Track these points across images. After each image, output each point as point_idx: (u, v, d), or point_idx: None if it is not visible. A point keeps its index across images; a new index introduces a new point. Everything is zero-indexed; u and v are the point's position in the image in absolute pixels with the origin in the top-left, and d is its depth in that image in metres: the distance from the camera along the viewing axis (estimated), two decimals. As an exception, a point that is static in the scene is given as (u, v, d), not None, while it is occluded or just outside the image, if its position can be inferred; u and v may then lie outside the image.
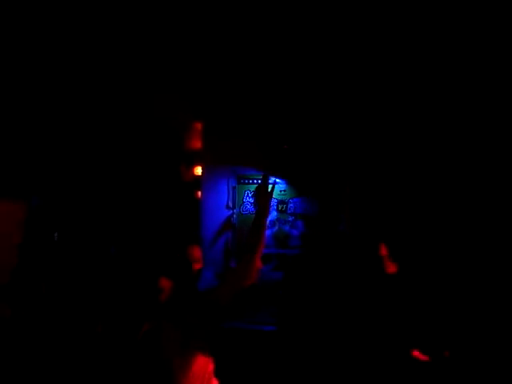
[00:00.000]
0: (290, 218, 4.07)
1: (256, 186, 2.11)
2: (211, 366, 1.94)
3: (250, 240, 1.97)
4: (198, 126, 4.39)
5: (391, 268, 2.76)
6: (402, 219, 3.49)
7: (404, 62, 3.36)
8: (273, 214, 4.10)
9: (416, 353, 2.55)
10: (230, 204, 4.15)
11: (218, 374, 1.97)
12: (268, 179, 2.12)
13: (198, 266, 2.00)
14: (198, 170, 4.43)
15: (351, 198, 3.79)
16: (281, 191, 4.12)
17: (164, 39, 3.38)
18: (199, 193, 4.27)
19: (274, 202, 4.11)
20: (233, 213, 4.13)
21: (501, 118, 3.46)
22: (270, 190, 2.08)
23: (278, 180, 4.06)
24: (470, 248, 3.34)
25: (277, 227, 4.07)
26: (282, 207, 4.10)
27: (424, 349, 2.56)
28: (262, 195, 2.06)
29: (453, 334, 2.82)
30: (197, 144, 4.46)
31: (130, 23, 3.16)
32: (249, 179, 4.19)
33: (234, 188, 4.18)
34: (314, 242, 3.27)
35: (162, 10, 3.03)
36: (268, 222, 4.07)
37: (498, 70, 3.32)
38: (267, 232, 4.05)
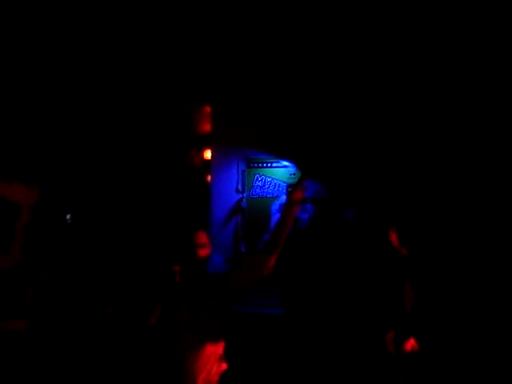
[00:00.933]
0: (300, 202, 4.04)
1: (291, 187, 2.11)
2: (221, 349, 1.96)
3: (270, 240, 1.96)
4: (207, 109, 4.36)
5: (402, 251, 2.75)
6: (412, 205, 3.46)
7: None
8: (283, 198, 4.08)
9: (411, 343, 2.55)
10: (240, 188, 4.14)
11: (227, 357, 1.99)
12: (304, 181, 2.09)
13: (204, 252, 1.99)
14: (208, 154, 4.41)
15: (361, 184, 3.75)
16: (290, 175, 4.10)
17: (173, 24, 3.35)
18: (209, 177, 4.26)
19: (284, 185, 4.09)
20: (242, 197, 4.12)
21: (501, 117, 3.40)
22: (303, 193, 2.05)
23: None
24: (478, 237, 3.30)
25: (286, 211, 4.05)
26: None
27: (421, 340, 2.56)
28: (294, 202, 2.03)
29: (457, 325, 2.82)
30: (206, 127, 4.44)
31: (138, 7, 3.13)
32: (258, 163, 4.16)
33: (243, 172, 4.16)
34: (319, 225, 3.25)
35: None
36: (278, 205, 4.07)
37: (498, 70, 3.26)
38: (277, 216, 4.05)
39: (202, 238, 2.02)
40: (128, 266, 2.93)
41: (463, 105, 3.55)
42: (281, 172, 4.11)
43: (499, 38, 3.05)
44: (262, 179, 4.12)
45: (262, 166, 4.15)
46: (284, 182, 4.08)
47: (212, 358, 1.89)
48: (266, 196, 4.11)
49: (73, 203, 3.89)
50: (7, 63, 3.52)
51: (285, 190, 4.08)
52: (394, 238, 2.75)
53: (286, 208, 2.02)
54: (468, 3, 2.83)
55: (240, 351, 2.33)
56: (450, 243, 3.24)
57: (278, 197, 4.09)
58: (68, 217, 3.69)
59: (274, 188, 4.10)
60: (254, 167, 4.16)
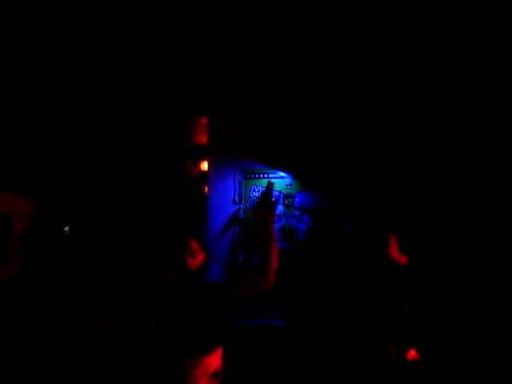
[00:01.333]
0: (297, 213, 4.06)
1: (261, 189, 2.08)
2: (219, 361, 1.95)
3: (261, 257, 1.95)
4: (204, 120, 4.38)
5: (401, 259, 2.74)
6: (409, 213, 3.47)
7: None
8: (279, 208, 4.08)
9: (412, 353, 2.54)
10: (237, 199, 4.15)
11: (224, 368, 1.98)
12: (272, 188, 2.07)
13: (193, 259, 1.99)
14: (204, 165, 4.42)
15: (357, 194, 3.77)
16: (287, 185, 4.11)
17: (170, 36, 3.37)
18: (206, 188, 4.27)
19: (280, 195, 4.10)
20: (239, 208, 4.13)
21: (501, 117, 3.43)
22: (272, 200, 2.00)
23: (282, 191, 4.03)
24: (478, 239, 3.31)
25: (283, 221, 4.06)
26: (289, 201, 4.09)
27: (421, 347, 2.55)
28: (264, 207, 2.02)
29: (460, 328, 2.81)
30: (202, 139, 4.46)
31: (135, 18, 3.16)
32: (255, 174, 4.18)
33: (240, 183, 4.17)
34: (314, 236, 3.25)
35: (167, 6, 3.02)
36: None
37: (498, 70, 3.29)
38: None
39: (193, 245, 2.01)
40: (125, 276, 2.92)
41: (462, 112, 3.57)
42: (277, 183, 4.12)
43: (499, 38, 3.07)
44: (258, 190, 4.14)
45: (259, 177, 4.16)
46: (281, 193, 4.09)
47: (210, 370, 1.88)
48: (262, 207, 4.10)
49: (70, 214, 3.88)
50: (6, 71, 3.53)
51: (281, 201, 4.09)
52: (393, 246, 2.75)
53: (260, 226, 2.00)
54: (468, 3, 2.85)
55: (237, 363, 2.32)
56: (450, 251, 3.24)
57: (274, 207, 4.09)
58: (66, 229, 3.68)
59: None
60: (251, 178, 4.18)
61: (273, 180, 3.98)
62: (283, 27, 3.25)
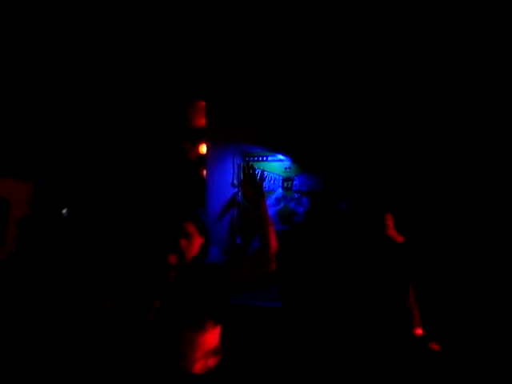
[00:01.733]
0: (296, 195, 4.06)
1: (247, 169, 2.05)
2: (218, 340, 1.97)
3: (261, 240, 1.95)
4: (202, 104, 4.35)
5: (398, 238, 2.76)
6: (406, 192, 3.47)
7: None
8: (278, 192, 4.09)
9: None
10: (236, 182, 4.15)
11: (223, 347, 2.01)
12: (254, 169, 2.07)
13: (187, 241, 2.00)
14: (203, 148, 4.41)
15: (355, 175, 3.77)
16: (286, 168, 4.11)
17: (168, 21, 3.34)
18: (204, 171, 4.27)
19: (279, 179, 4.10)
20: (238, 190, 4.13)
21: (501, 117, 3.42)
22: (258, 178, 2.01)
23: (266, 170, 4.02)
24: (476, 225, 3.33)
25: (282, 204, 4.07)
26: (288, 184, 4.09)
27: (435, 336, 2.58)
28: (250, 186, 2.01)
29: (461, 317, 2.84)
30: (201, 122, 4.44)
31: (132, 7, 3.12)
32: (254, 156, 4.17)
33: (239, 166, 4.16)
34: (313, 217, 3.26)
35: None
36: (274, 199, 4.08)
37: (498, 70, 3.27)
38: (273, 209, 4.06)
39: (189, 228, 2.02)
40: (124, 259, 2.94)
41: (459, 103, 3.56)
42: (276, 165, 4.13)
43: (499, 38, 3.05)
44: (257, 173, 4.13)
45: (258, 160, 4.16)
46: (279, 176, 4.10)
47: (207, 348, 1.90)
48: (261, 189, 4.11)
49: (68, 197, 3.89)
50: (4, 61, 3.50)
51: (280, 184, 4.10)
52: (390, 223, 2.76)
53: (253, 209, 2.00)
54: (468, 3, 2.83)
55: (236, 342, 2.35)
56: (447, 233, 3.26)
57: (273, 190, 4.11)
58: (64, 211, 3.69)
59: (269, 181, 4.11)
60: (250, 161, 4.17)
61: (274, 163, 4.06)
62: (281, 15, 3.21)
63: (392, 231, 2.75)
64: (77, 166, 4.11)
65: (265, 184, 4.10)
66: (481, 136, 3.45)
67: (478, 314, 2.94)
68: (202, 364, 1.88)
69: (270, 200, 4.07)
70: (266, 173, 4.09)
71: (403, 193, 3.45)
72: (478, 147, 3.46)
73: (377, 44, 3.43)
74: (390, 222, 2.76)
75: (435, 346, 2.54)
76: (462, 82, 3.51)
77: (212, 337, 1.93)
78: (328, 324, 2.96)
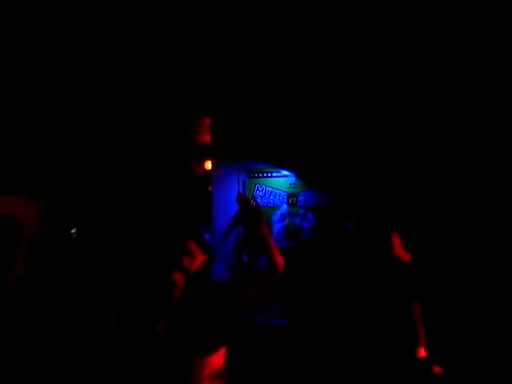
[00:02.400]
0: (301, 211, 4.07)
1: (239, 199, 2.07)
2: (223, 362, 1.96)
3: (265, 255, 1.96)
4: (207, 120, 4.39)
5: (405, 256, 2.75)
6: (413, 210, 3.47)
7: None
8: (283, 207, 4.10)
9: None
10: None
11: (229, 366, 2.00)
12: (245, 195, 2.10)
13: (190, 260, 2.00)
14: (209, 165, 4.44)
15: (361, 191, 3.77)
16: (290, 184, 4.13)
17: (174, 35, 3.38)
18: (210, 187, 4.29)
19: (284, 194, 4.12)
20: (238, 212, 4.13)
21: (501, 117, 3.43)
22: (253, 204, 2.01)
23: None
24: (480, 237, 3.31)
25: (287, 220, 4.08)
26: (293, 200, 4.10)
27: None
28: (246, 213, 2.03)
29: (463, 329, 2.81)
30: (207, 138, 4.47)
31: (137, 16, 3.16)
32: (259, 173, 4.20)
33: (244, 182, 4.19)
34: (320, 235, 3.26)
35: (169, 6, 3.03)
36: (279, 215, 4.09)
37: (498, 70, 3.28)
38: (278, 225, 4.07)
39: (191, 246, 2.02)
40: (130, 275, 2.94)
41: (462, 115, 3.57)
42: (281, 181, 4.15)
43: (499, 38, 3.06)
44: (262, 189, 4.16)
45: (263, 176, 4.18)
46: (284, 192, 4.12)
47: (214, 369, 1.89)
48: (266, 205, 4.14)
49: (77, 215, 3.91)
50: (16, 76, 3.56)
51: (285, 200, 4.11)
52: (396, 241, 2.74)
53: (253, 234, 2.02)
54: (468, 3, 2.85)
55: (242, 360, 2.34)
56: (452, 247, 3.24)
57: (278, 206, 4.12)
58: (73, 231, 3.71)
59: (274, 197, 4.13)
60: (255, 177, 4.20)
61: (279, 179, 4.07)
62: (286, 26, 3.25)
63: (399, 249, 2.74)
64: (85, 182, 4.15)
65: (270, 200, 4.12)
66: (493, 158, 3.45)
67: (487, 337, 2.90)
68: (208, 382, 1.87)
69: (275, 216, 4.09)
70: (269, 189, 4.11)
71: (410, 210, 3.45)
72: (489, 167, 3.45)
73: (385, 59, 3.45)
74: (396, 240, 2.75)
75: (437, 369, 2.51)
76: (466, 95, 3.52)
77: (217, 357, 1.92)
78: (333, 341, 2.94)
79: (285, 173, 4.14)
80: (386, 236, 2.76)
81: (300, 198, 4.09)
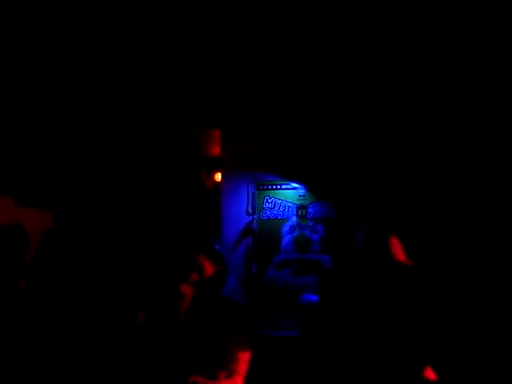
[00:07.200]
0: (310, 223, 4.07)
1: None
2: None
3: None
4: (217, 132, 4.43)
5: (408, 263, 2.71)
6: (418, 219, 3.44)
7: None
8: (293, 220, 4.10)
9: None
10: (250, 210, 4.17)
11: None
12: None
13: (204, 275, 2.01)
14: (218, 176, 4.47)
15: (370, 202, 3.75)
16: (300, 196, 4.13)
17: (179, 48, 3.43)
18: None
19: (293, 206, 4.12)
20: (253, 219, 4.15)
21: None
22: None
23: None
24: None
25: (297, 232, 4.07)
26: (302, 212, 4.10)
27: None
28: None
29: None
30: (215, 150, 4.51)
31: (146, 29, 3.21)
32: (268, 185, 4.21)
33: (253, 194, 4.20)
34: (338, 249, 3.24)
35: (180, 16, 3.08)
36: (289, 227, 4.09)
37: (498, 70, 3.28)
38: (288, 237, 4.07)
39: (200, 259, 2.03)
40: (139, 288, 2.93)
41: (463, 118, 3.55)
42: (290, 194, 4.15)
43: (499, 38, 3.06)
44: (271, 201, 4.16)
45: (272, 188, 4.19)
46: (294, 204, 4.12)
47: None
48: (276, 218, 4.14)
49: (84, 227, 3.93)
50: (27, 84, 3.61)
51: (294, 212, 4.11)
52: (399, 249, 2.70)
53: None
54: (468, 3, 2.85)
55: (257, 373, 2.32)
56: (457, 253, 3.21)
57: (288, 218, 4.12)
58: (73, 241, 3.71)
59: (283, 210, 4.13)
60: (264, 189, 4.21)
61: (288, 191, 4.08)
62: (296, 40, 3.28)
63: (401, 257, 2.70)
64: (94, 195, 4.18)
65: (279, 212, 4.12)
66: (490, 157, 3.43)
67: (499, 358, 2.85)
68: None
69: (284, 228, 4.09)
70: (279, 201, 4.12)
71: (415, 218, 3.42)
72: (492, 174, 3.43)
73: (392, 68, 3.46)
74: (396, 248, 2.70)
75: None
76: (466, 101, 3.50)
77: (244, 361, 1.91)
78: (343, 353, 2.90)
79: (294, 185, 4.15)
80: (390, 243, 2.72)
81: (309, 209, 4.09)
